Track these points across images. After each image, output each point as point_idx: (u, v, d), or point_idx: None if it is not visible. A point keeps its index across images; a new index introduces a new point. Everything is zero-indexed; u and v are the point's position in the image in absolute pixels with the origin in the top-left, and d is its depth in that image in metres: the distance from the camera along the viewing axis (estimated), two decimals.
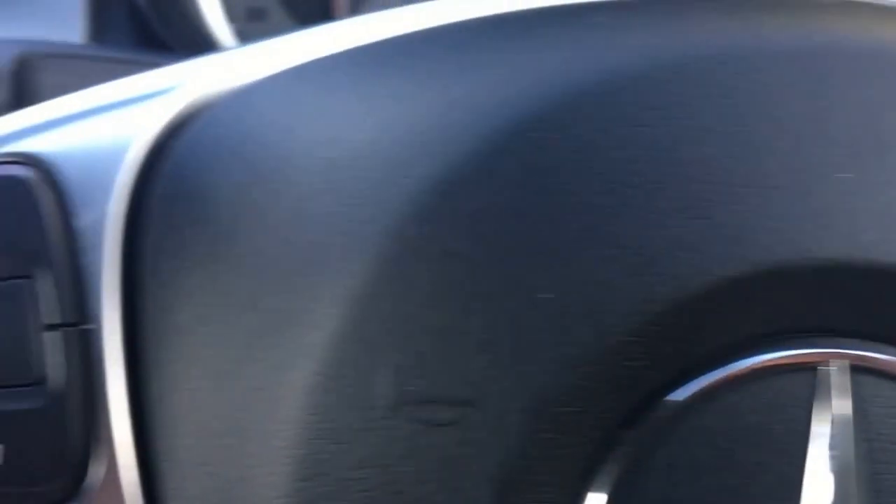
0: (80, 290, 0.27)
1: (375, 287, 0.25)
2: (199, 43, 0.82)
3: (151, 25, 0.80)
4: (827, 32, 0.26)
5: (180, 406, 0.26)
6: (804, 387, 0.24)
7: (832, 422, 0.24)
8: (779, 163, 0.24)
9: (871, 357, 0.24)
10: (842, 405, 0.24)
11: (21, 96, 0.47)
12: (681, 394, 0.24)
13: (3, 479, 0.27)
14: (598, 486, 0.24)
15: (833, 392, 0.24)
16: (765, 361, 0.24)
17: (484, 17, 0.28)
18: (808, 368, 0.24)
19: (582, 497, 0.24)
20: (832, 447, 0.24)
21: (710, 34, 0.25)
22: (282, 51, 0.30)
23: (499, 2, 0.29)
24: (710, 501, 0.24)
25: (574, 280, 0.24)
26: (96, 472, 0.26)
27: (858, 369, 0.24)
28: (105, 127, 0.29)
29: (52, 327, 0.27)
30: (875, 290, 0.24)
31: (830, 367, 0.24)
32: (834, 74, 0.25)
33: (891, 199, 0.24)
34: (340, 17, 0.85)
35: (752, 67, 0.24)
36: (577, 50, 0.26)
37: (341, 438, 0.24)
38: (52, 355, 0.27)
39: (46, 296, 0.27)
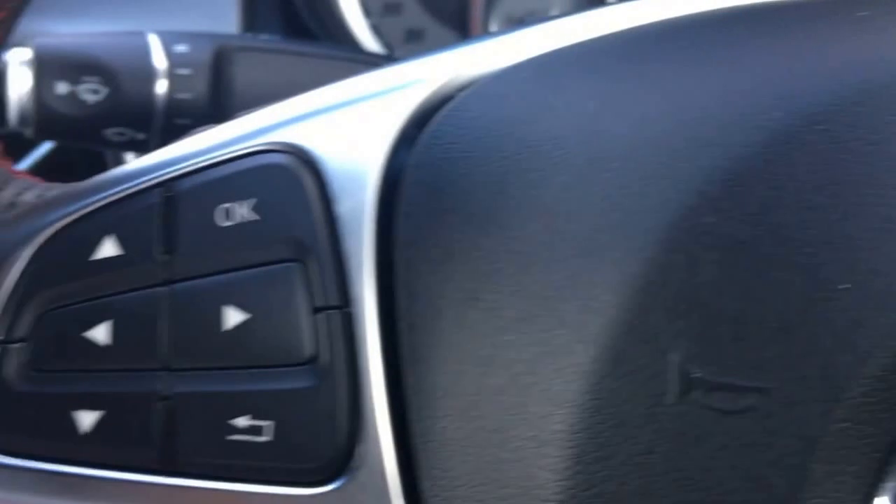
0: (343, 274, 0.28)
1: (661, 275, 0.25)
2: (339, 35, 0.83)
3: (301, 17, 0.82)
4: None
5: (440, 389, 0.26)
6: None
7: None
8: None
9: None
10: None
11: (217, 87, 0.48)
12: None
13: (272, 455, 0.27)
14: (891, 479, 0.24)
15: None
16: None
17: (738, 7, 0.28)
18: None
19: (875, 489, 0.24)
20: None
21: None
22: (520, 42, 0.30)
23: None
24: None
25: (872, 270, 0.24)
26: (360, 451, 0.27)
27: None
28: (356, 117, 0.30)
29: (319, 310, 0.28)
30: None
31: None
32: None
33: None
34: (476, 11, 0.85)
35: None
36: (859, 42, 0.26)
37: (625, 424, 0.25)
38: (322, 337, 0.28)
39: (314, 279, 0.28)
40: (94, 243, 0.29)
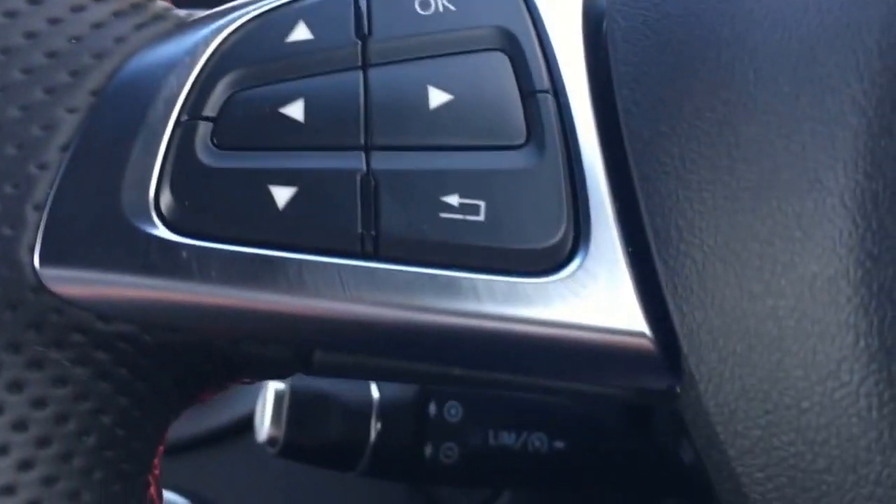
0: (551, 60, 0.27)
1: None
2: None
3: None
4: None
5: (671, 174, 0.25)
6: None
7: None
8: None
9: None
10: None
11: None
12: None
13: (483, 235, 0.26)
14: None
15: None
16: None
17: None
18: None
19: None
20: None
21: None
22: None
23: None
24: None
25: None
26: (587, 237, 0.26)
27: None
28: None
29: (529, 94, 0.27)
30: None
31: None
32: None
33: None
34: None
35: None
36: None
37: None
38: (534, 119, 0.27)
39: (521, 65, 0.27)
40: (289, 26, 0.28)
